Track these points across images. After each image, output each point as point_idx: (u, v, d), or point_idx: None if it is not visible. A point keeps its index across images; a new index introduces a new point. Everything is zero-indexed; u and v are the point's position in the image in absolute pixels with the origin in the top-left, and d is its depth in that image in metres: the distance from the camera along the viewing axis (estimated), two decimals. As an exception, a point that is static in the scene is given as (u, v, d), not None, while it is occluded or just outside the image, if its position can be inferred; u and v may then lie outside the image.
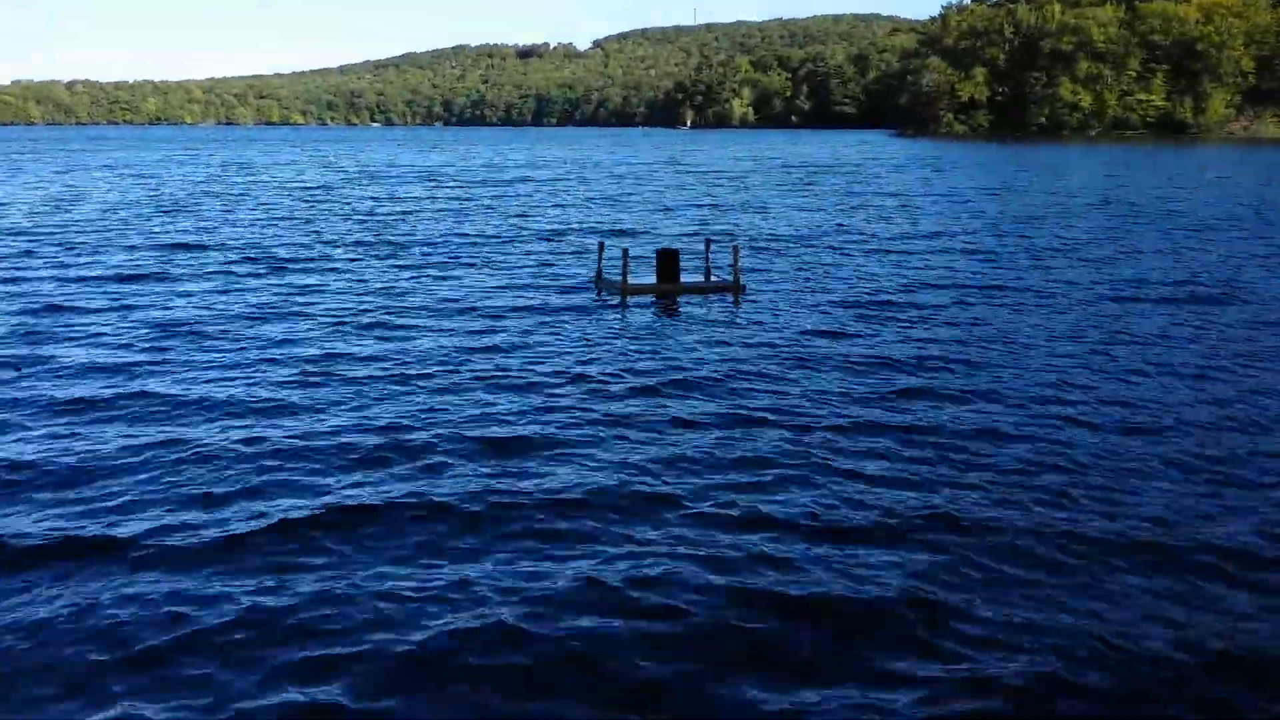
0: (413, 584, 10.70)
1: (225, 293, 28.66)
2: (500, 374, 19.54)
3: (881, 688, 9.00)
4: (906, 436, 15.74)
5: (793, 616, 10.11)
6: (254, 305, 26.73)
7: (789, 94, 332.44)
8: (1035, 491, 13.50)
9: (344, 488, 13.35)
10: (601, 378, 19.31)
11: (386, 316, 25.31)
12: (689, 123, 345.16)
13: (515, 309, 26.65)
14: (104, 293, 28.49)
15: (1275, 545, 11.91)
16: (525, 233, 44.80)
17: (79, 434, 15.69)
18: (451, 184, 77.98)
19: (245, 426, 15.99)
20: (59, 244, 39.00)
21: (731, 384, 18.96)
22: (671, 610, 10.17)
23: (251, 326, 23.99)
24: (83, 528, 12.12)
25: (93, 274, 31.78)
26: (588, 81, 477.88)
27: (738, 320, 25.33)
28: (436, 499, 12.92)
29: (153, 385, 18.52)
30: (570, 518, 12.43)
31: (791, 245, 40.37)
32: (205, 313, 25.66)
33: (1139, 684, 9.12)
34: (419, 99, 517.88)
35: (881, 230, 45.78)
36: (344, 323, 24.43)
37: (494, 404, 17.39)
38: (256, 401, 17.40)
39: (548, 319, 25.35)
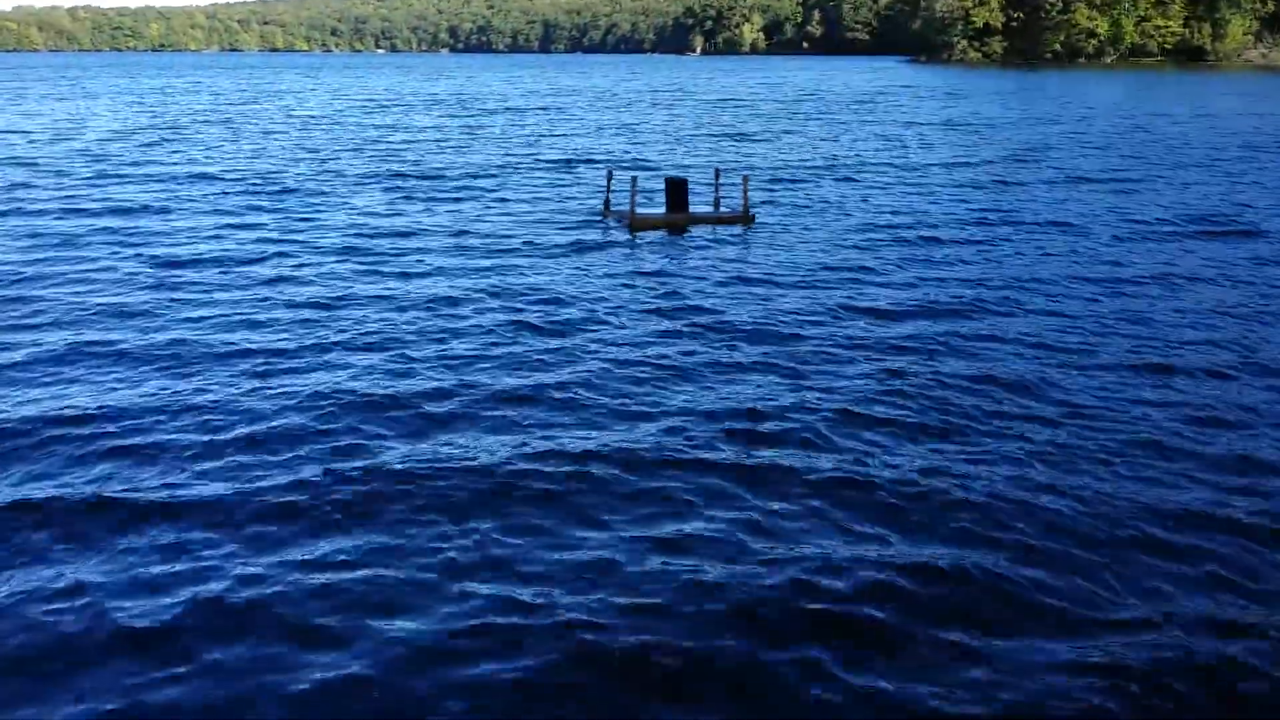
0: (422, 550, 10.24)
1: (227, 227, 28.13)
2: (508, 313, 19.17)
3: (901, 663, 8.75)
4: (920, 382, 15.32)
5: (798, 592, 9.54)
6: (257, 240, 26.25)
7: (800, 20, 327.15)
8: (1053, 448, 13.16)
9: (348, 440, 12.90)
10: (608, 317, 18.93)
11: (392, 253, 24.87)
12: (699, 49, 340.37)
13: (523, 242, 26.21)
14: (103, 227, 27.95)
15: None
16: (533, 162, 44.16)
17: (74, 381, 15.28)
18: (458, 112, 76.93)
19: (246, 374, 15.52)
20: (58, 173, 38.39)
21: (741, 324, 18.56)
22: (694, 580, 9.65)
23: (254, 264, 23.50)
24: (76, 486, 11.59)
25: (92, 206, 31.20)
26: (596, 7, 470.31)
27: (747, 254, 24.88)
28: (442, 454, 12.40)
29: (151, 329, 18.09)
30: (580, 474, 11.90)
31: (802, 175, 39.73)
32: (206, 248, 25.20)
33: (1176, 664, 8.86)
34: (424, 25, 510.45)
35: (894, 160, 45.04)
36: (348, 260, 23.96)
37: (501, 348, 17.00)
38: (258, 347, 16.90)
39: (556, 252, 24.94)
